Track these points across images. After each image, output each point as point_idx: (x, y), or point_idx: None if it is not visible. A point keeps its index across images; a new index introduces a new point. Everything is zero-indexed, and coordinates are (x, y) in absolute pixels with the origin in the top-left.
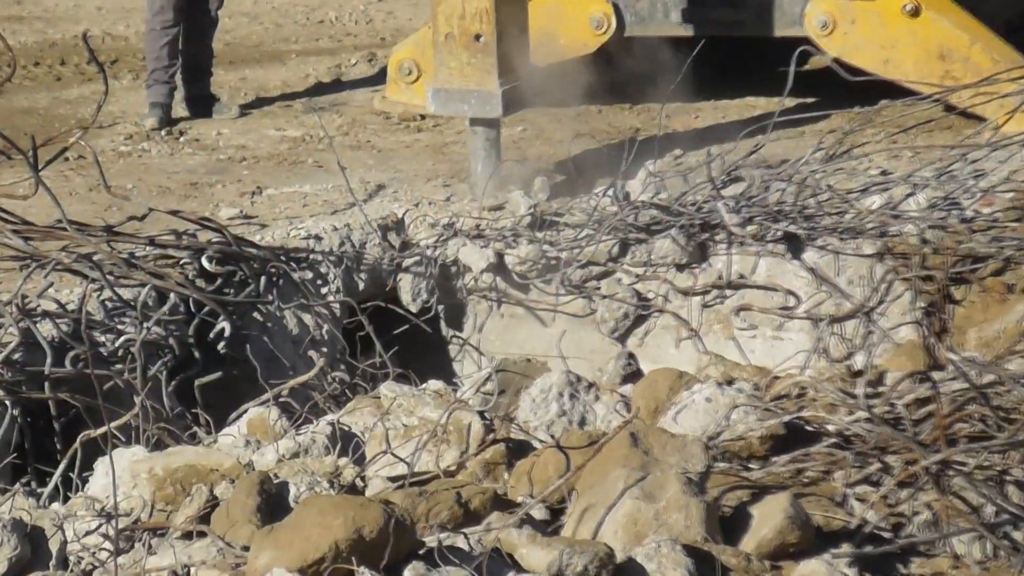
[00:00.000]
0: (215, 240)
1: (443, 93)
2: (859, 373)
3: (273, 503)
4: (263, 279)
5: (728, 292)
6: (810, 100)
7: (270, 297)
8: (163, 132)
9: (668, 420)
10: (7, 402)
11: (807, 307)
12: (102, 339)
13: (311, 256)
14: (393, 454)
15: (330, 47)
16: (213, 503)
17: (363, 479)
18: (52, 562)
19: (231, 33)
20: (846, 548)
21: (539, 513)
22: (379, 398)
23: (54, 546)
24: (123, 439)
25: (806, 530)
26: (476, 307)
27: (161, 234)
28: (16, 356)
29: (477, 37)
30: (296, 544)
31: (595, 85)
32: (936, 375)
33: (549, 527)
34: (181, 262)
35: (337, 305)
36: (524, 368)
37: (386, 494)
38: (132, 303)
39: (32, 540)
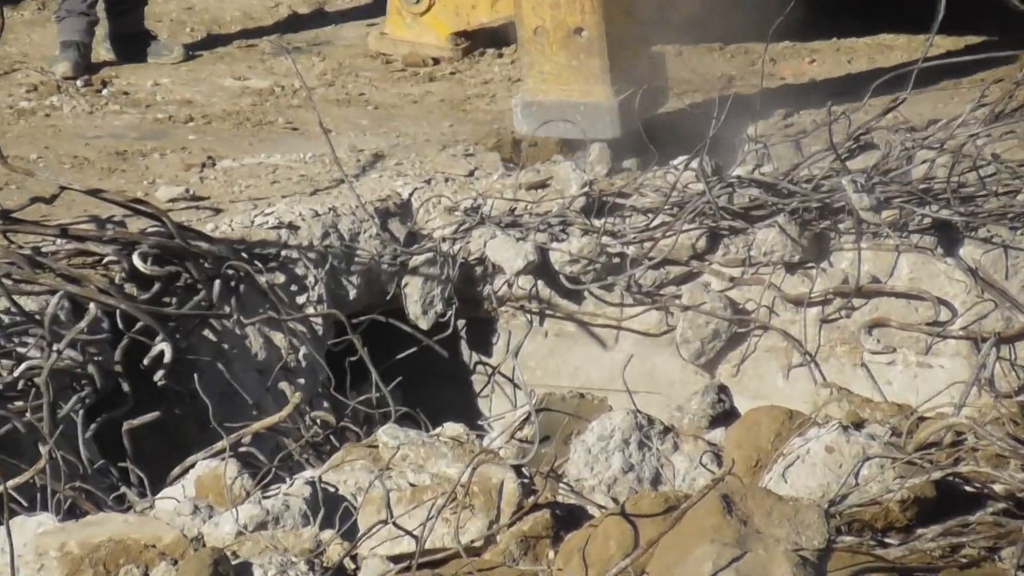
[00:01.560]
0: (151, 230)
1: (536, 108)
2: None
3: None
4: (217, 284)
5: (856, 302)
6: (969, 39)
7: (227, 309)
8: (80, 82)
9: (774, 477)
10: None
11: (965, 322)
12: None
13: (283, 253)
14: (396, 524)
15: None
16: None
17: (354, 559)
18: None
19: None
20: None
21: None
22: (376, 447)
23: None
24: (24, 503)
25: None
26: (510, 322)
27: (77, 222)
28: None
29: (578, 31)
30: None
31: (673, 18)
32: None
33: None
34: (104, 261)
35: (319, 320)
36: (576, 406)
37: None
38: (37, 317)
39: None
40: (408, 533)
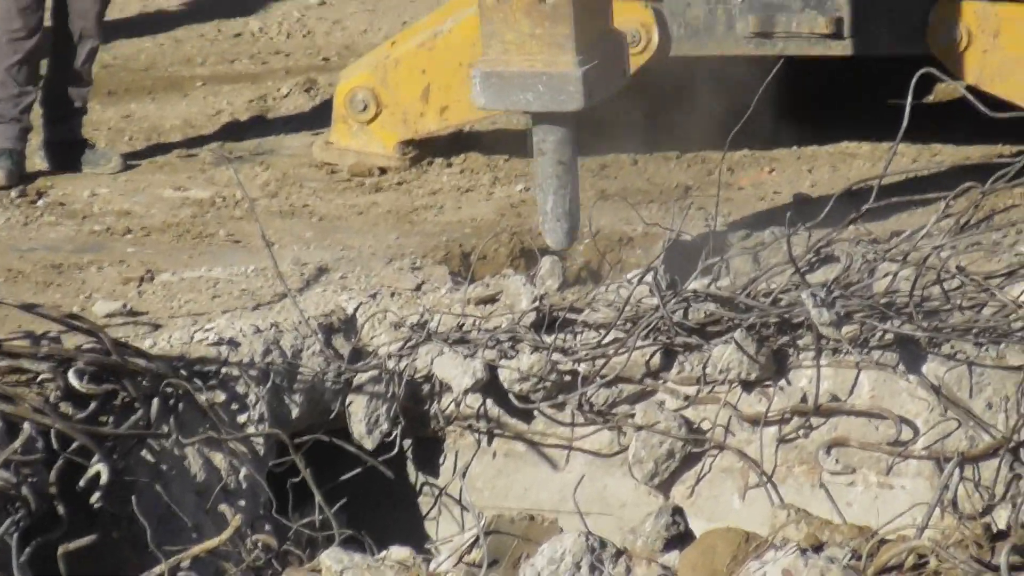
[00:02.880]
0: (87, 347)
1: (496, 79)
2: (1001, 535)
3: None
4: (155, 403)
5: (815, 421)
6: (935, 146)
7: (165, 428)
8: (14, 192)
9: None
10: None
11: (927, 442)
12: None
13: (224, 370)
14: None
15: (252, 71)
16: None
17: None
18: None
19: (112, 50)
20: None
21: None
22: (320, 572)
23: None
24: None
25: None
26: (458, 442)
27: (10, 338)
28: None
29: None
30: None
31: (629, 125)
32: None
33: None
34: (39, 378)
35: (261, 440)
36: (525, 529)
37: None
38: None
39: None
40: None
